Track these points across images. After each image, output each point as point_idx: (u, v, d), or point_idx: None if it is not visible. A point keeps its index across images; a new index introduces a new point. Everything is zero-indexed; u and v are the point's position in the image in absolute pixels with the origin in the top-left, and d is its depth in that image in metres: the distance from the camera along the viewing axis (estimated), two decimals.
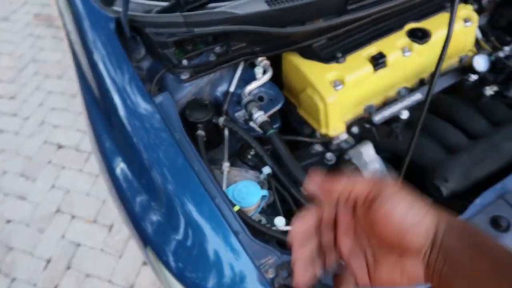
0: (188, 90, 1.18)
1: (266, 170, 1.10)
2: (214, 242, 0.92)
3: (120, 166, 1.08)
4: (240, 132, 1.12)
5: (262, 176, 1.12)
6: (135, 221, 1.02)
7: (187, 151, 0.99)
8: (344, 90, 1.17)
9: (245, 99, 1.17)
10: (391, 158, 1.23)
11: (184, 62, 1.18)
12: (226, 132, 1.19)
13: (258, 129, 1.15)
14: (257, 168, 1.24)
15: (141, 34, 1.20)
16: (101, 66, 1.16)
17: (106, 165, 1.11)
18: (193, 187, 0.95)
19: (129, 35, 1.17)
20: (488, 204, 1.01)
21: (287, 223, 1.02)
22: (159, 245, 0.96)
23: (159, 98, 1.08)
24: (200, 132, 1.12)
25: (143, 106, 1.07)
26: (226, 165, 1.12)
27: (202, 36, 1.15)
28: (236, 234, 0.92)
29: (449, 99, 1.25)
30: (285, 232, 1.02)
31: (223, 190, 0.97)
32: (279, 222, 1.01)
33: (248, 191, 1.05)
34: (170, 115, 1.06)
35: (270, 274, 0.91)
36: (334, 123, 1.20)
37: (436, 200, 1.10)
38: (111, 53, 1.15)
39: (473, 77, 1.26)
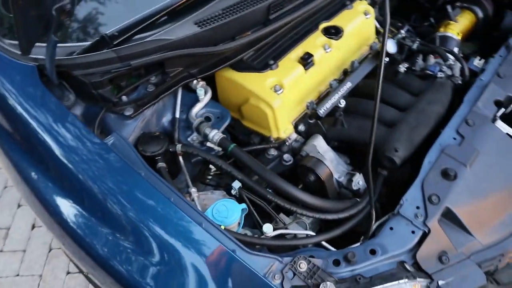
0: (135, 125, 1.11)
1: (236, 184, 1.09)
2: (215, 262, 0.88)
3: (70, 209, 0.99)
4: (201, 154, 1.09)
5: (233, 191, 1.11)
6: (105, 264, 0.94)
7: (159, 186, 0.94)
8: (285, 93, 1.22)
9: (195, 122, 1.15)
10: (338, 146, 1.31)
11: (124, 98, 1.12)
12: (181, 159, 1.16)
13: (216, 147, 1.13)
14: (219, 186, 1.23)
15: (68, 79, 1.11)
16: (29, 117, 1.04)
17: (54, 214, 1.01)
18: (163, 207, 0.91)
19: (57, 82, 1.08)
20: (435, 161, 1.14)
21: (274, 229, 1.03)
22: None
23: (110, 139, 1.01)
24: (162, 164, 1.07)
25: (86, 141, 0.99)
26: (194, 191, 1.08)
27: (138, 68, 1.11)
28: (233, 252, 0.90)
29: (372, 82, 1.38)
30: (277, 237, 1.02)
31: (205, 215, 0.94)
32: (268, 229, 1.00)
33: (227, 209, 1.02)
34: (128, 154, 0.99)
35: (277, 280, 0.90)
36: (283, 125, 1.24)
37: (391, 171, 1.20)
38: (41, 103, 1.04)
39: (386, 59, 1.42)
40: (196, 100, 1.23)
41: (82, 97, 1.14)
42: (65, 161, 0.98)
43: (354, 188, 1.16)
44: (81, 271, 1.51)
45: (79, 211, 0.99)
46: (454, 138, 1.18)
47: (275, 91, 1.20)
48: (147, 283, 0.89)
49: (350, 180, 1.17)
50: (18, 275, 1.96)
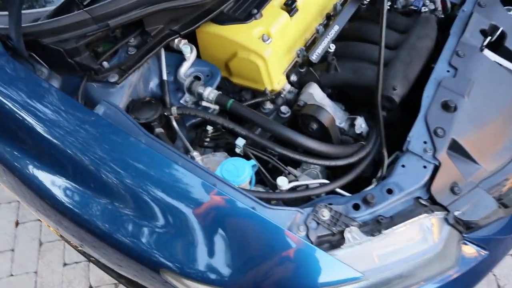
0: (122, 92, 1.00)
1: (240, 141, 1.02)
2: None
3: (62, 187, 0.91)
4: (199, 114, 1.00)
5: (237, 149, 1.04)
6: (109, 239, 0.87)
7: (164, 152, 0.86)
8: (274, 42, 1.14)
9: (186, 82, 1.06)
10: (330, 93, 1.25)
11: (105, 64, 1.00)
12: (175, 124, 1.07)
13: (213, 106, 1.05)
14: (218, 148, 1.16)
15: (38, 50, 0.97)
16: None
17: (45, 196, 0.92)
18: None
19: (26, 54, 0.94)
20: (433, 95, 1.12)
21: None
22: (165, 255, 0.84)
23: (100, 109, 0.90)
24: (159, 130, 0.98)
25: (71, 112, 0.89)
26: (196, 154, 1.01)
27: (115, 30, 0.99)
28: (253, 209, 0.84)
29: (357, 24, 1.31)
30: (294, 189, 0.97)
31: (218, 175, 0.87)
32: (282, 182, 0.95)
33: (236, 168, 0.95)
34: (122, 122, 0.89)
35: (302, 232, 0.86)
36: (276, 76, 1.16)
37: (389, 111, 1.17)
38: (13, 78, 0.91)
39: (365, 1, 1.36)
40: (181, 59, 1.12)
41: (57, 69, 1.01)
42: (50, 137, 0.88)
43: (357, 131, 1.12)
44: (85, 256, 1.41)
45: (73, 187, 0.90)
46: (448, 71, 1.16)
47: (264, 40, 1.12)
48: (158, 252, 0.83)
49: (352, 125, 1.13)
50: (11, 275, 1.82)
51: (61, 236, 1.25)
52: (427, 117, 1.07)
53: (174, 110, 1.00)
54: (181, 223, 0.83)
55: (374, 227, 0.93)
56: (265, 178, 1.04)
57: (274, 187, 1.01)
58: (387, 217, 0.94)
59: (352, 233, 0.90)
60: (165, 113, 1.00)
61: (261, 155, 1.03)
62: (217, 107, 1.04)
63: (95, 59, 0.99)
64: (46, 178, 0.92)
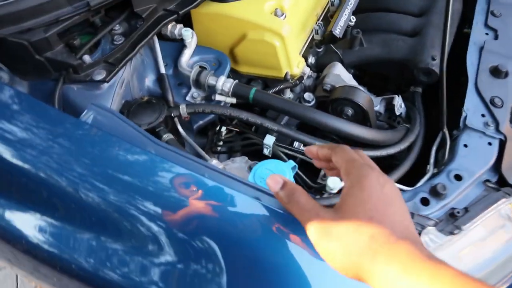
0: (113, 92, 0.76)
1: (269, 140, 0.80)
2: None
3: (36, 226, 0.66)
4: (218, 110, 0.77)
5: (266, 150, 0.82)
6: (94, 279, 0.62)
7: (184, 163, 0.62)
8: (288, 18, 0.92)
9: (192, 74, 0.82)
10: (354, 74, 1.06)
11: (87, 58, 0.75)
12: (180, 128, 0.83)
13: (229, 99, 0.82)
14: (234, 152, 0.94)
15: None
16: None
17: (16, 242, 0.67)
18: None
19: None
20: (478, 62, 0.95)
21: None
22: None
23: (88, 115, 0.65)
24: (169, 136, 0.74)
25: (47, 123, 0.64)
26: (216, 162, 0.78)
27: (98, 12, 0.75)
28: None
29: None
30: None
31: (260, 186, 0.64)
32: (334, 183, 0.73)
33: (274, 171, 0.74)
34: (121, 129, 0.65)
35: None
36: (295, 58, 0.95)
37: (427, 86, 0.98)
38: None
39: None
40: (179, 48, 0.89)
41: (22, 72, 0.75)
42: (18, 163, 0.63)
43: (397, 113, 0.93)
44: None
45: (48, 223, 0.65)
46: (486, 33, 0.99)
47: (278, 16, 0.91)
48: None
49: (389, 105, 0.94)
50: None
51: None
52: (478, 87, 0.90)
53: (183, 109, 0.77)
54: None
55: (450, 222, 0.74)
56: (301, 180, 0.83)
57: (318, 190, 0.80)
58: (461, 210, 0.75)
59: (429, 235, 0.71)
60: (171, 114, 0.77)
61: (294, 154, 0.82)
62: (233, 100, 0.82)
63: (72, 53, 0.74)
64: (16, 218, 0.68)
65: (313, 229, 0.45)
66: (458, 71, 0.95)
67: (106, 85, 0.75)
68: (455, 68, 0.96)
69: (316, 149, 0.58)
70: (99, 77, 0.73)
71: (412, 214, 0.71)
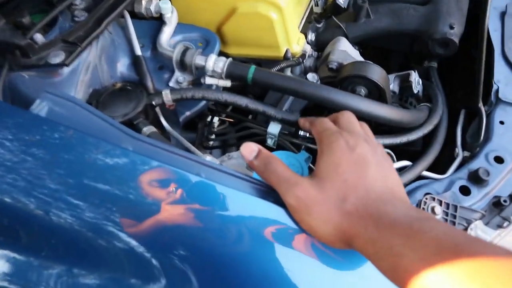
0: (76, 79, 0.59)
1: (275, 128, 0.65)
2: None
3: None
4: (211, 95, 0.61)
5: (270, 140, 0.67)
6: None
7: (172, 161, 0.47)
8: None
9: (175, 54, 0.66)
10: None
11: (39, 37, 0.58)
12: (163, 120, 0.67)
13: (222, 81, 0.67)
14: (227, 146, 0.79)
15: None
16: None
17: None
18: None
19: None
20: (501, 28, 0.82)
21: None
22: None
23: (41, 106, 0.49)
24: (149, 129, 0.58)
25: None
26: (210, 159, 0.62)
27: None
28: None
29: None
30: None
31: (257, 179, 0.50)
32: None
33: (288, 165, 0.59)
34: (88, 123, 0.49)
35: None
36: (295, 34, 0.81)
37: (446, 59, 0.85)
38: None
39: None
40: (157, 26, 0.73)
41: None
42: None
43: (415, 91, 0.79)
44: None
45: (12, 259, 0.49)
46: None
47: None
48: None
49: (404, 82, 0.80)
50: None
51: None
52: (507, 55, 0.77)
53: (167, 95, 0.61)
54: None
55: (496, 213, 0.61)
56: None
57: None
58: (507, 197, 0.63)
59: (477, 230, 0.58)
60: (152, 102, 0.61)
61: (300, 142, 0.67)
62: (228, 82, 0.66)
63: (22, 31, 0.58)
64: None
65: (292, 201, 0.43)
66: (470, 42, 0.82)
67: (66, 70, 0.58)
68: (468, 38, 0.83)
69: (302, 122, 0.59)
70: (57, 60, 0.56)
71: (455, 207, 0.58)
